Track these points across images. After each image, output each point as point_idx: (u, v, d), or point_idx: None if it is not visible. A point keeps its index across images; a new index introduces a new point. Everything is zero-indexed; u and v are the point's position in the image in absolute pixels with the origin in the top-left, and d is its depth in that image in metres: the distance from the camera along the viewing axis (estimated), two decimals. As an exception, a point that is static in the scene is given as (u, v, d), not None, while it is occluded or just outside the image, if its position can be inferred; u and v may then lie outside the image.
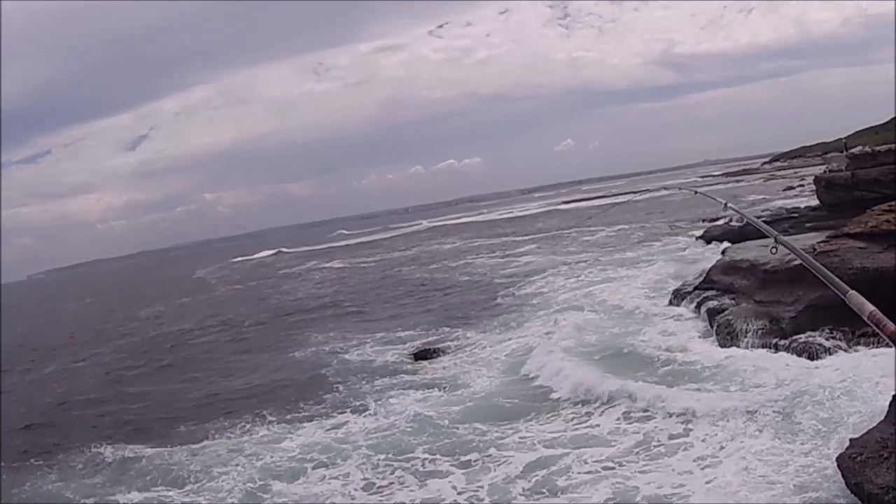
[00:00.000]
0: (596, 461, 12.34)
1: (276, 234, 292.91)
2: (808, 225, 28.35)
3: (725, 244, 29.90)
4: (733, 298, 19.59)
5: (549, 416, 15.04)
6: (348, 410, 17.46)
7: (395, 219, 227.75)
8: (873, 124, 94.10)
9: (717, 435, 12.31)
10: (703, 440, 12.28)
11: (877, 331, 2.70)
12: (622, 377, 15.85)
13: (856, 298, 2.98)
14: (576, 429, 14.10)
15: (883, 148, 27.99)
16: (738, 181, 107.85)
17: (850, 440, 9.58)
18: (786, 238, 4.72)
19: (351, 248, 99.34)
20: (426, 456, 13.78)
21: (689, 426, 12.92)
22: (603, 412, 14.59)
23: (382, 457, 13.97)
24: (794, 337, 15.99)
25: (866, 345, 14.62)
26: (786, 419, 12.08)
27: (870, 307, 2.82)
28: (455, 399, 16.94)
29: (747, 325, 17.15)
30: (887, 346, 2.85)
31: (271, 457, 14.66)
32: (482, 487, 12.13)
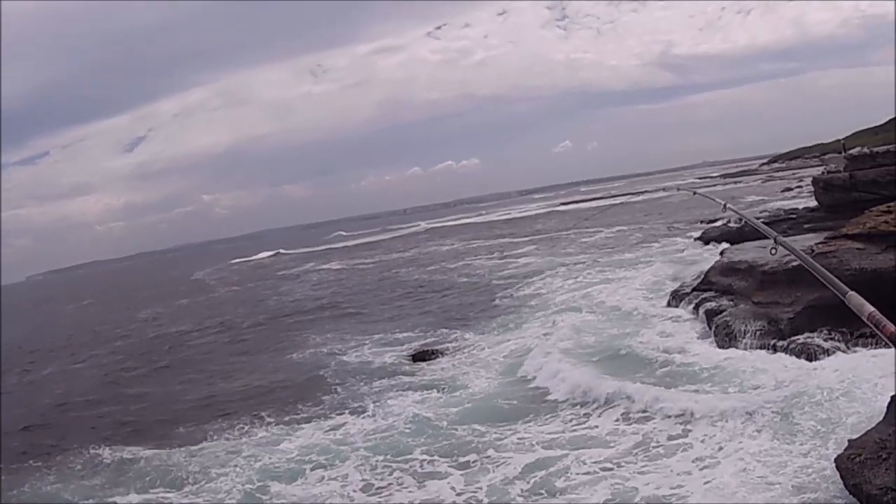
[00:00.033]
0: (594, 462, 12.35)
1: (274, 236, 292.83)
2: (806, 226, 28.39)
3: (724, 245, 29.98)
4: (732, 299, 19.61)
5: (547, 417, 15.04)
6: (347, 412, 17.45)
7: (394, 220, 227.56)
8: (872, 125, 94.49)
9: (715, 436, 12.33)
10: (702, 441, 12.29)
11: (876, 332, 2.71)
12: (620, 378, 15.86)
13: (855, 299, 2.98)
14: (574, 430, 14.11)
15: (881, 149, 28.03)
16: (736, 182, 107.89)
17: (849, 441, 9.59)
18: (784, 239, 4.71)
19: (349, 249, 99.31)
20: (425, 457, 13.78)
21: (688, 427, 12.93)
22: (601, 413, 14.60)
23: (381, 458, 13.97)
24: (793, 338, 16.01)
25: (865, 346, 14.64)
26: (784, 420, 12.09)
27: (869, 308, 2.83)
28: (453, 400, 16.94)
29: (746, 326, 17.17)
30: (886, 347, 2.85)
31: (270, 458, 14.66)
32: (481, 489, 12.13)
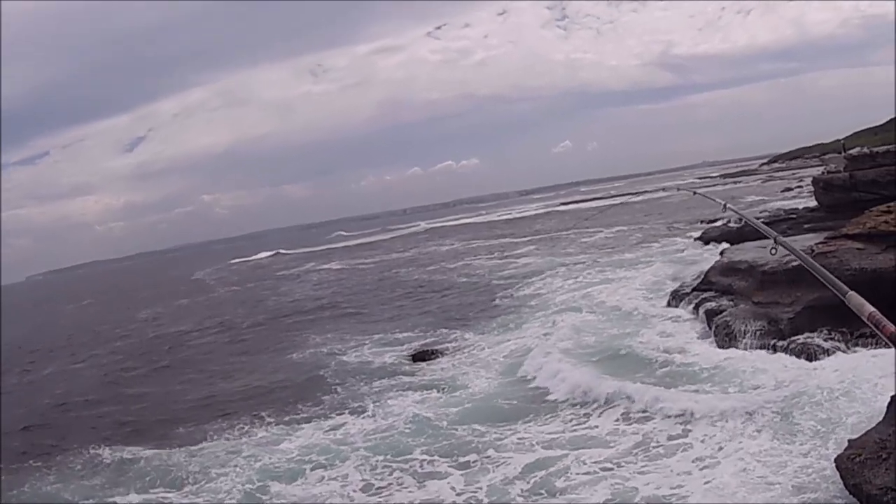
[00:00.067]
0: (594, 462, 12.35)
1: (274, 236, 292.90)
2: (806, 226, 28.40)
3: (724, 245, 29.99)
4: (732, 299, 19.61)
5: (547, 417, 15.04)
6: (347, 412, 17.46)
7: (394, 220, 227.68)
8: (872, 125, 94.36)
9: (715, 436, 12.33)
10: (702, 441, 12.29)
11: (876, 332, 2.71)
12: (620, 378, 15.86)
13: (855, 299, 2.98)
14: (574, 430, 14.11)
15: (881, 149, 28.05)
16: (736, 182, 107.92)
17: (849, 441, 9.60)
18: (785, 239, 4.72)
19: (349, 249, 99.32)
20: (425, 457, 13.78)
21: (688, 427, 12.94)
22: (601, 413, 14.60)
23: (381, 458, 13.97)
24: (793, 338, 16.02)
25: (865, 346, 14.65)
26: (784, 420, 12.10)
27: (869, 308, 2.83)
28: (453, 400, 16.94)
29: (746, 326, 17.18)
30: (886, 347, 2.85)
31: (270, 458, 14.66)
32: (481, 489, 12.14)
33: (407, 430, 15.20)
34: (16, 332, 54.07)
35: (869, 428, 9.76)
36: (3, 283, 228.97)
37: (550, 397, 16.15)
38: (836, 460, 9.42)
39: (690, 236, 40.76)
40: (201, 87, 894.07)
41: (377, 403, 17.56)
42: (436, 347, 22.78)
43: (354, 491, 12.87)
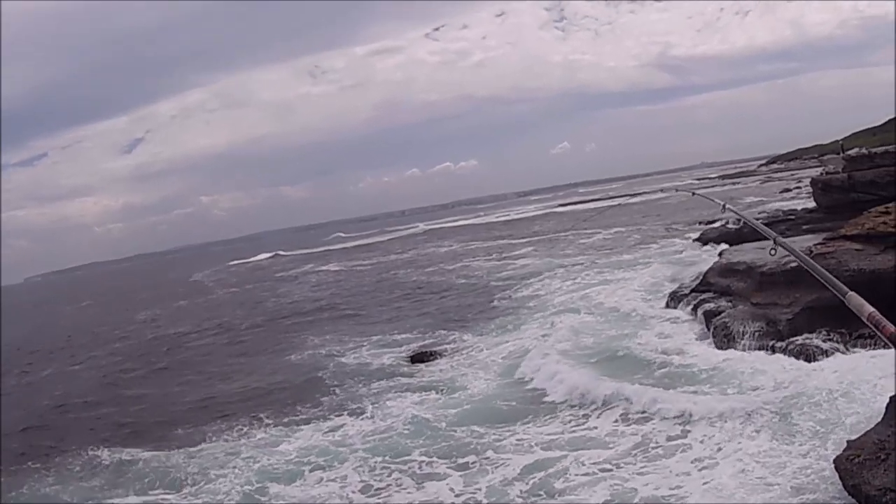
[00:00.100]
0: (593, 463, 12.35)
1: (272, 237, 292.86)
2: (804, 227, 28.38)
3: (722, 246, 29.98)
4: (730, 301, 19.62)
5: (546, 418, 15.04)
6: (345, 413, 17.45)
7: (392, 221, 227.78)
8: (870, 126, 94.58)
9: (714, 437, 12.34)
10: (701, 442, 12.30)
11: (876, 332, 2.71)
12: (619, 380, 15.85)
13: (855, 300, 2.98)
14: (573, 431, 14.11)
15: (879, 150, 28.08)
16: (734, 183, 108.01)
17: (848, 442, 9.60)
18: (784, 240, 4.72)
19: (348, 250, 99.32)
20: (423, 458, 13.78)
21: (687, 428, 12.94)
22: (600, 414, 14.60)
23: (380, 459, 13.97)
24: (791, 339, 16.02)
25: (863, 346, 14.67)
26: (783, 421, 12.11)
27: (869, 308, 2.83)
28: (452, 402, 16.94)
29: (744, 327, 17.18)
30: (885, 347, 2.86)
31: (269, 459, 14.66)
32: (480, 490, 12.14)
33: (405, 432, 15.20)
34: (15, 333, 54.00)
35: (868, 429, 9.76)
36: (2, 284, 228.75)
37: (548, 399, 16.14)
38: (834, 461, 9.43)
39: (689, 237, 40.75)
40: (200, 88, 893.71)
41: (376, 405, 17.56)
42: (434, 349, 22.78)
43: (353, 492, 12.87)
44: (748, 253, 21.68)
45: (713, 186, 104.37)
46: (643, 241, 44.76)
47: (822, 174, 31.48)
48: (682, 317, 20.99)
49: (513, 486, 12.06)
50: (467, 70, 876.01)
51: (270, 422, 17.61)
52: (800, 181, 68.17)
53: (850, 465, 9.01)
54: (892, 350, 2.71)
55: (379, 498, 12.58)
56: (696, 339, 18.47)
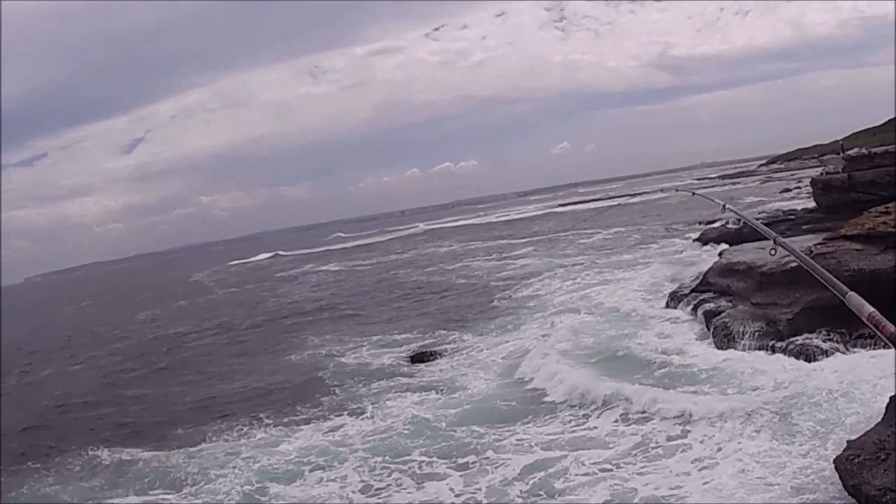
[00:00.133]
0: (593, 463, 12.35)
1: (273, 237, 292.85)
2: (804, 227, 28.38)
3: (722, 246, 29.98)
4: (730, 301, 19.62)
5: (546, 418, 15.04)
6: (345, 413, 17.45)
7: (392, 221, 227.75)
8: (870, 126, 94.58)
9: (714, 437, 12.34)
10: (701, 442, 12.30)
11: (876, 332, 2.71)
12: (619, 380, 15.85)
13: (855, 300, 2.98)
14: (573, 431, 14.11)
15: (879, 150, 28.07)
16: (734, 183, 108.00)
17: (848, 442, 9.60)
18: (784, 240, 4.72)
19: (348, 250, 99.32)
20: (423, 458, 13.78)
21: (687, 428, 12.94)
22: (600, 415, 14.60)
23: (380, 459, 13.97)
24: (791, 339, 16.02)
25: (863, 346, 14.67)
26: (783, 421, 12.11)
27: (869, 308, 2.83)
28: (452, 402, 16.94)
29: (744, 327, 17.18)
30: (885, 347, 2.86)
31: (269, 459, 14.66)
32: (480, 490, 12.14)
33: (406, 432, 15.20)
34: (15, 333, 54.00)
35: (868, 429, 9.76)
36: (2, 284, 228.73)
37: (548, 399, 16.14)
38: (834, 461, 9.43)
39: (689, 237, 40.75)
40: (200, 88, 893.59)
41: (376, 405, 17.56)
42: (434, 349, 22.78)
43: (353, 492, 12.87)
44: (748, 253, 21.68)
45: (713, 186, 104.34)
46: (643, 241, 44.76)
47: (822, 174, 31.48)
48: (682, 317, 20.98)
49: (513, 486, 12.06)
50: (467, 70, 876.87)
51: (270, 422, 17.61)
52: (800, 181, 68.18)
53: (850, 465, 9.01)
54: (892, 350, 2.71)
55: (379, 498, 12.58)
56: (696, 339, 18.47)
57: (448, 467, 13.24)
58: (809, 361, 14.92)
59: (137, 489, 14.38)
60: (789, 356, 15.45)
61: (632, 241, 45.90)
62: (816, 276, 3.57)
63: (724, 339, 17.28)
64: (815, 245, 18.24)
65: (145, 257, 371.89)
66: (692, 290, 22.29)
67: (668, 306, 22.58)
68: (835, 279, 3.30)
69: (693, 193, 13.43)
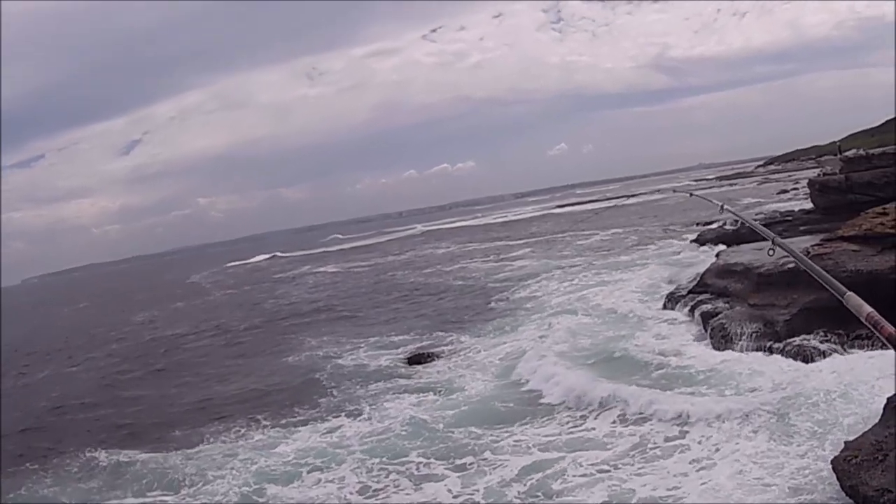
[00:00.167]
0: (591, 464, 12.35)
1: (270, 239, 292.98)
2: (802, 228, 28.40)
3: (720, 247, 30.02)
4: (727, 302, 19.63)
5: (543, 419, 15.03)
6: (343, 414, 17.44)
7: (390, 223, 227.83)
8: (867, 127, 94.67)
9: (712, 437, 12.34)
10: (699, 443, 12.30)
11: (874, 332, 2.71)
12: (616, 381, 15.85)
13: (854, 300, 2.99)
14: (571, 432, 14.10)
15: (877, 151, 28.08)
16: (731, 185, 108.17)
17: (845, 442, 9.61)
18: (782, 241, 4.72)
19: (345, 252, 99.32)
20: (421, 460, 13.78)
21: (685, 429, 12.94)
22: (598, 416, 14.59)
23: (377, 460, 13.97)
24: (789, 340, 16.03)
25: (861, 347, 14.68)
26: (781, 422, 12.11)
27: (868, 309, 2.83)
28: (449, 403, 16.93)
29: (742, 328, 17.19)
30: (883, 348, 2.86)
31: (266, 461, 14.64)
32: (477, 491, 12.13)
33: (403, 433, 15.19)
34: (13, 334, 53.86)
35: (865, 429, 9.77)
36: (0, 286, 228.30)
37: (546, 400, 16.13)
38: (832, 462, 9.44)
39: (686, 238, 40.81)
40: (198, 89, 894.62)
41: (373, 406, 17.55)
42: (431, 350, 22.77)
43: (351, 493, 12.86)
44: (745, 254, 21.71)
45: (710, 188, 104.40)
46: (640, 243, 44.81)
47: (819, 175, 31.49)
48: (680, 318, 20.99)
49: (510, 487, 12.06)
50: (465, 71, 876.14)
51: (268, 423, 17.59)
52: (797, 182, 68.30)
53: (848, 465, 9.02)
54: (891, 350, 2.71)
55: (377, 499, 12.57)
56: (694, 341, 18.47)
57: (446, 468, 13.23)
58: (807, 362, 14.92)
59: (135, 490, 14.36)
60: (787, 357, 15.46)
61: (629, 243, 45.95)
62: (815, 277, 3.57)
63: (722, 340, 17.28)
64: (812, 246, 18.24)
65: (143, 259, 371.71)
66: (689, 292, 22.30)
67: (665, 307, 22.59)
68: (833, 279, 3.30)
69: (691, 194, 13.46)
